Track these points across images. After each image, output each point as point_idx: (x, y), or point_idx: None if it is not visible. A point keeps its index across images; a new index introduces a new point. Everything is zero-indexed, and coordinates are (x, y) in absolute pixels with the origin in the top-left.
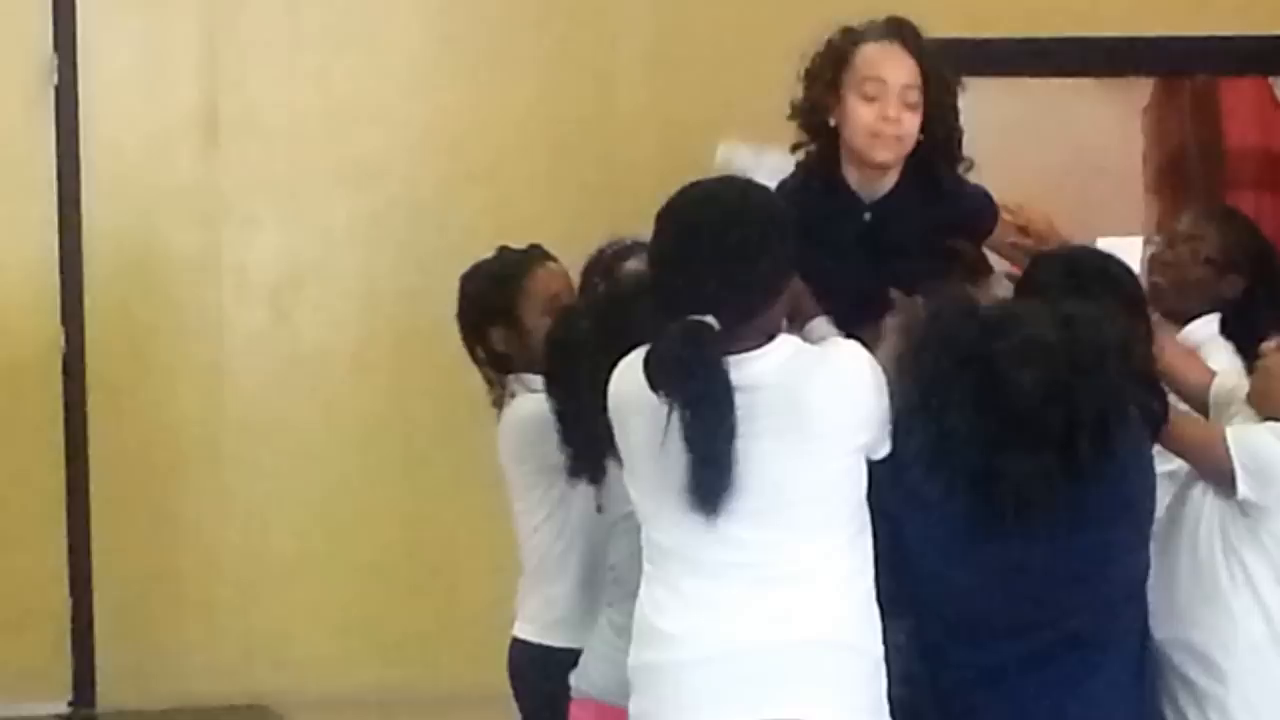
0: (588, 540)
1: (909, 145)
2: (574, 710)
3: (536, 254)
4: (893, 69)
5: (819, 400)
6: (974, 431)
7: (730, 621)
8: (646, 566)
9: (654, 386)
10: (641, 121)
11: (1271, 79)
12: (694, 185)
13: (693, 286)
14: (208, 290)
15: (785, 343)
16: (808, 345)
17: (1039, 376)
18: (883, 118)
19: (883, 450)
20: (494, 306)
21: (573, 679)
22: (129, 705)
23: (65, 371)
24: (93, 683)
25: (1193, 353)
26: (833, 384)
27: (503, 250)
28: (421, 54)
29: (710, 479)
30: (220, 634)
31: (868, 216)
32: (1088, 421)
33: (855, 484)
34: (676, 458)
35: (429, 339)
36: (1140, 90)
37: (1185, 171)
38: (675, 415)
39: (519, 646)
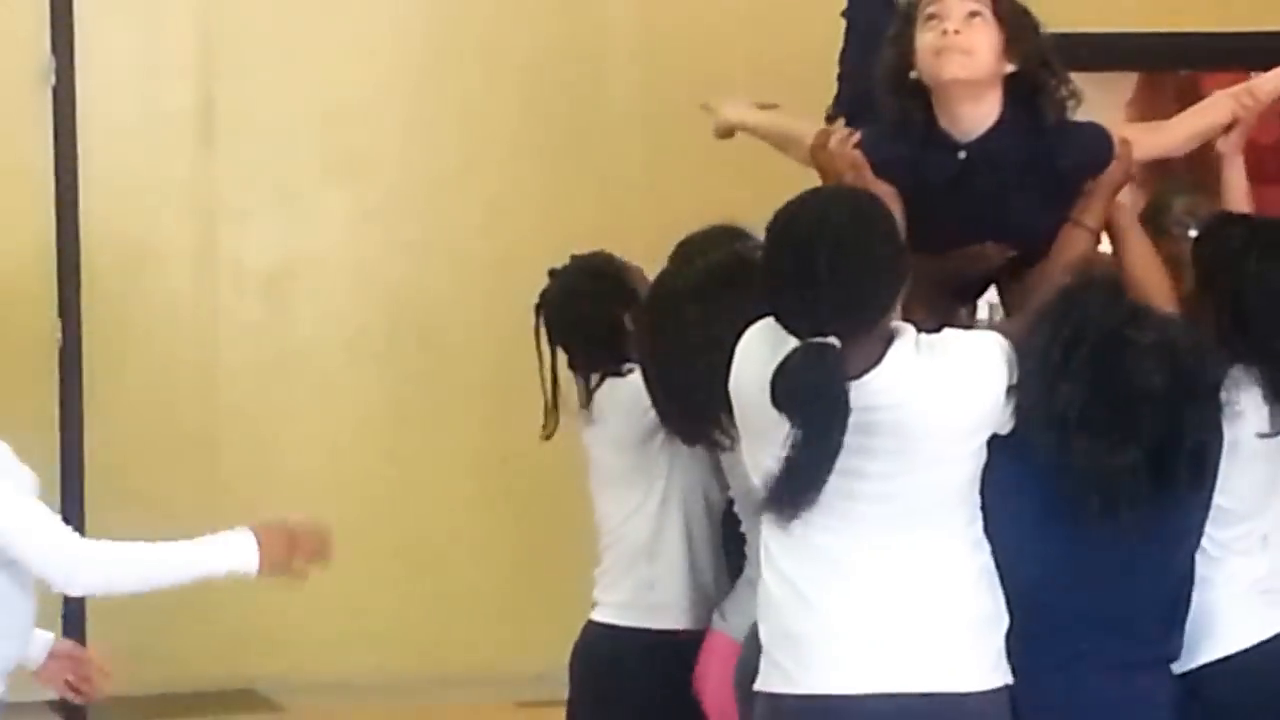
0: (685, 521)
1: (981, 64)
2: (709, 639)
3: (604, 253)
4: None
5: (928, 422)
6: (1083, 405)
7: (852, 599)
8: (769, 540)
9: (777, 406)
10: (630, 115)
11: (1252, 74)
12: (804, 198)
13: (810, 305)
14: (203, 283)
15: (897, 354)
16: (921, 347)
17: (1161, 376)
18: (942, 32)
19: (1007, 428)
20: (614, 291)
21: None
22: (121, 691)
23: (62, 363)
24: None
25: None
26: (943, 401)
27: (575, 257)
28: (413, 50)
29: (796, 493)
30: (212, 620)
31: (962, 156)
32: (1190, 444)
33: (970, 483)
34: None
35: (421, 329)
36: (1123, 85)
37: (1170, 165)
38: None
39: (610, 632)
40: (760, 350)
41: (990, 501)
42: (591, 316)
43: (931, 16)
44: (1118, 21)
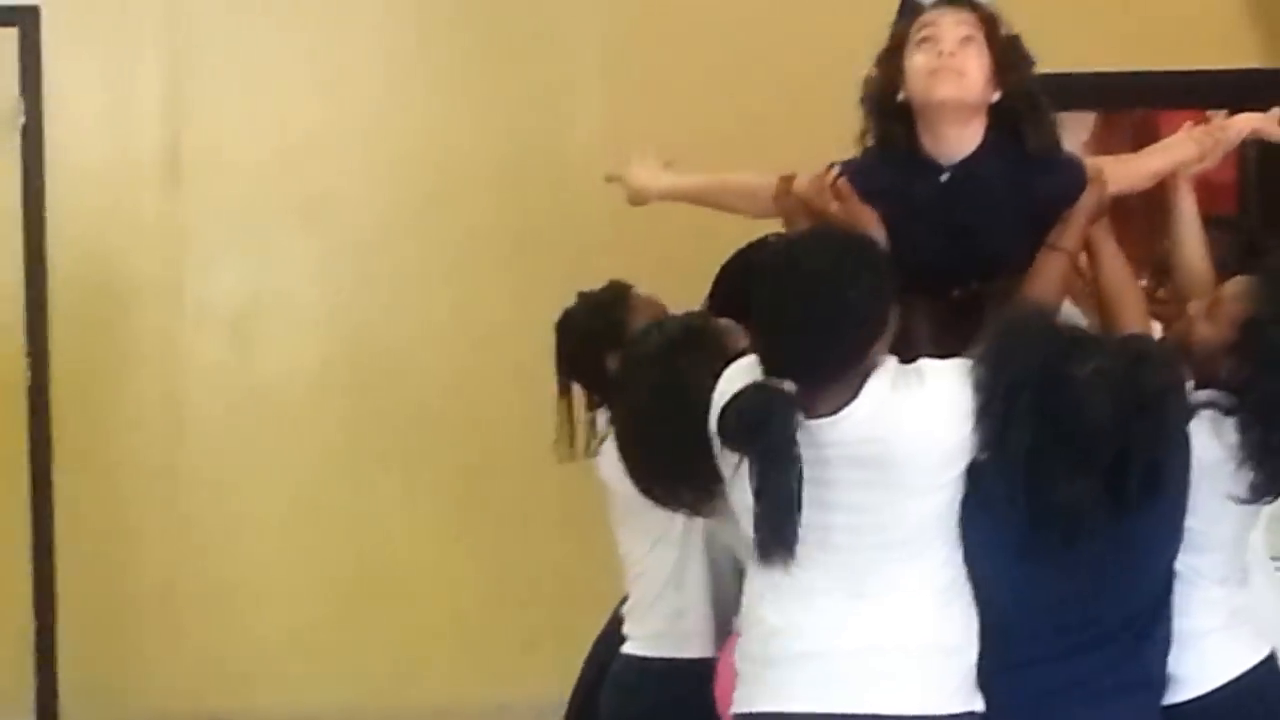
0: (707, 545)
1: (973, 86)
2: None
3: (620, 284)
4: (946, 17)
5: (904, 454)
6: (1031, 446)
7: (828, 622)
8: (750, 561)
9: (723, 441)
10: (594, 153)
11: (1209, 113)
12: (788, 240)
13: (778, 349)
14: (169, 322)
15: (871, 391)
16: (896, 382)
17: (1104, 406)
18: (937, 54)
19: (984, 453)
20: (605, 332)
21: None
22: None
23: (30, 400)
24: (55, 701)
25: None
26: (920, 434)
27: (582, 293)
28: (377, 91)
29: (773, 540)
30: (180, 653)
31: (945, 177)
32: (1140, 460)
33: (949, 512)
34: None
35: (383, 368)
36: (1081, 125)
37: (1127, 204)
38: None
39: (645, 664)
40: (737, 385)
41: (966, 533)
42: (580, 357)
43: (925, 39)
44: (1075, 62)
